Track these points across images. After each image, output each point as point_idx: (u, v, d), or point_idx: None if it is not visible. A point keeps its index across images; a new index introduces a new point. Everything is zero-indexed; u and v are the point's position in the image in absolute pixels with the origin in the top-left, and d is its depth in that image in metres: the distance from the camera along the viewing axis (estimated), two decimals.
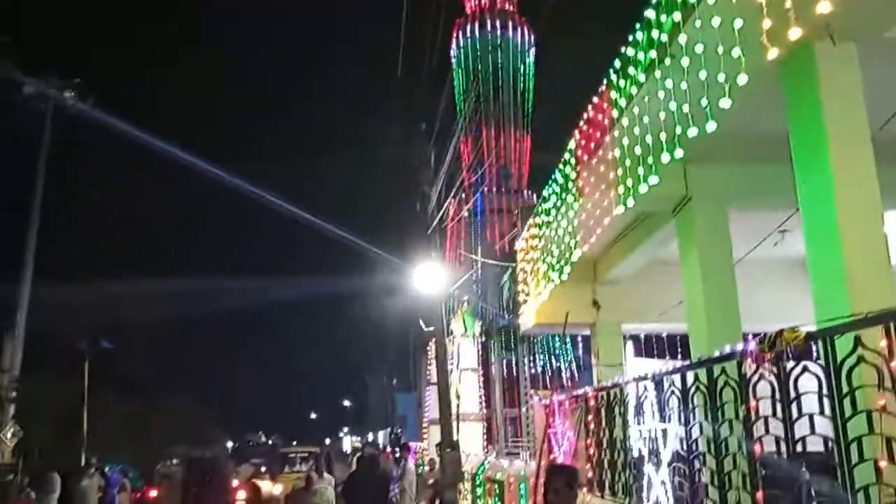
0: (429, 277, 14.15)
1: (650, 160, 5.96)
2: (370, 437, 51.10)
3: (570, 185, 7.94)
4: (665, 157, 5.74)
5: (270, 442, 51.58)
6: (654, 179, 5.98)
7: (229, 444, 39.70)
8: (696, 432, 4.61)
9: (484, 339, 20.31)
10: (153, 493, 19.36)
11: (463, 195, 18.68)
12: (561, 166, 8.34)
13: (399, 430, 35.87)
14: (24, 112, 18.19)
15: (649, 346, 11.81)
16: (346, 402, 76.28)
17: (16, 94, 17.81)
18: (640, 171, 6.10)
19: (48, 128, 18.58)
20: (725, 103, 4.89)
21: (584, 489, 6.79)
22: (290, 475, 18.22)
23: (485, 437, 18.79)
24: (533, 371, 19.28)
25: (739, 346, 4.05)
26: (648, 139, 5.94)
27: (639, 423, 5.62)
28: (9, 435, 16.12)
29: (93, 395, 18.43)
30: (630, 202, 6.47)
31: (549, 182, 9.07)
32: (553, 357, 19.53)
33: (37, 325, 18.73)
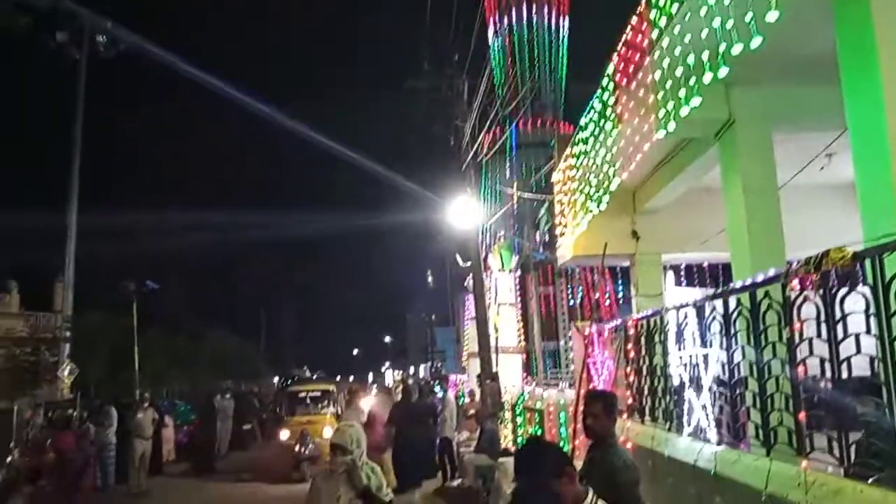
0: (464, 212, 14.13)
1: (692, 81, 5.76)
2: (411, 370, 52.21)
3: (609, 111, 7.74)
4: (708, 77, 5.53)
5: (315, 377, 53.18)
6: (696, 101, 5.79)
7: (276, 379, 40.97)
8: (737, 357, 4.59)
9: (521, 273, 20.33)
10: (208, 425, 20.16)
11: (497, 128, 18.39)
12: (599, 92, 8.11)
13: (439, 364, 36.56)
14: (60, 58, 18.34)
15: (690, 276, 11.68)
16: (388, 338, 77.98)
17: (51, 41, 17.92)
18: (682, 93, 5.90)
19: (83, 73, 18.74)
20: (772, 16, 4.66)
21: (624, 416, 6.86)
22: (300, 419, 15.67)
23: (524, 368, 19.01)
24: (571, 303, 19.31)
25: (784, 269, 3.98)
26: (690, 59, 5.72)
27: (679, 350, 5.62)
28: (66, 372, 16.87)
29: (142, 333, 19.09)
30: (671, 126, 6.28)
31: (587, 110, 8.85)
32: (591, 289, 19.52)
33: (86, 267, 19.35)
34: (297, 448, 14.00)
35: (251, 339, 41.04)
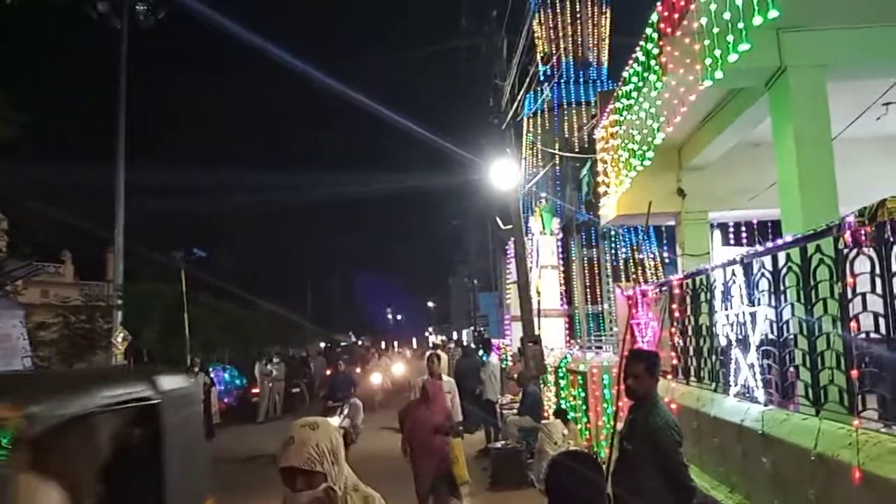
0: (504, 174, 13.93)
1: (740, 25, 5.47)
2: (454, 335, 52.55)
3: (653, 62, 7.44)
4: (757, 21, 5.26)
5: (360, 342, 53.98)
6: (744, 47, 5.51)
7: (321, 345, 41.69)
8: (787, 314, 4.41)
9: (563, 235, 20.08)
10: (255, 391, 20.73)
11: (538, 87, 18.00)
12: (642, 43, 7.80)
13: (482, 329, 36.65)
14: (102, 28, 18.55)
15: (738, 234, 11.32)
16: (431, 304, 78.51)
17: (92, 12, 18.11)
18: (730, 38, 5.62)
19: (125, 43, 18.93)
20: None
21: (669, 376, 6.74)
22: None
23: (566, 332, 18.87)
24: (614, 264, 19.03)
25: (837, 222, 3.78)
26: (738, 1, 5.42)
27: (726, 309, 5.45)
28: (119, 339, 17.39)
29: (192, 300, 19.54)
30: (718, 75, 6.00)
31: (629, 63, 8.54)
32: (635, 250, 19.20)
33: (136, 234, 19.78)
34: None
35: (298, 306, 41.75)
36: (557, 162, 20.68)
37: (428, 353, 9.58)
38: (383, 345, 55.10)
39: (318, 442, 2.28)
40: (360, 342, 54.20)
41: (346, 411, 12.40)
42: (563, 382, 12.96)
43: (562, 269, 19.44)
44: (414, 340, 73.45)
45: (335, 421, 7.98)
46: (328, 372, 22.20)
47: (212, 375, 17.95)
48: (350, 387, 13.45)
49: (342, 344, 46.96)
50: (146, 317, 18.59)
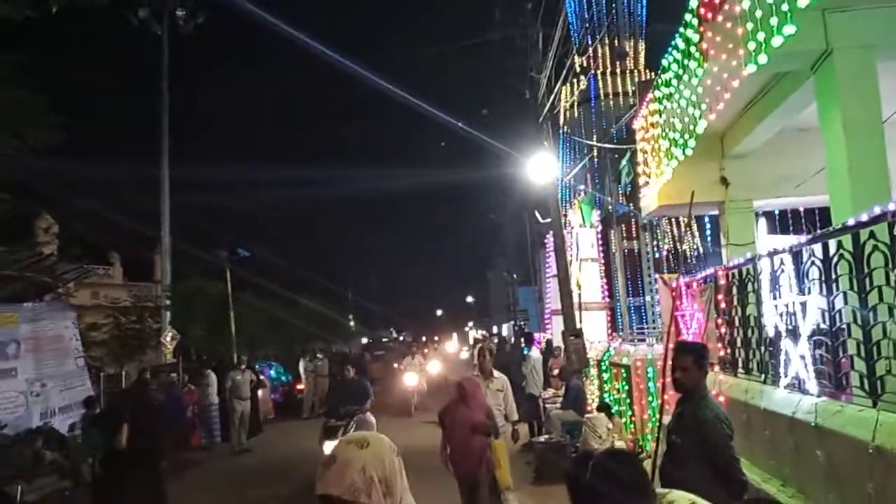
0: (542, 167, 13.84)
1: (784, 7, 5.33)
2: (494, 329, 52.50)
3: (693, 48, 7.29)
4: (802, 2, 5.11)
5: (401, 338, 54.31)
6: (789, 29, 5.36)
7: (364, 340, 42.09)
8: (839, 303, 4.30)
9: (603, 227, 19.88)
10: (300, 387, 21.06)
11: (574, 78, 17.85)
12: (681, 30, 7.65)
13: (522, 322, 36.54)
14: (142, 34, 18.96)
15: (784, 223, 11.05)
16: (470, 298, 78.51)
17: (133, 18, 18.53)
18: (773, 21, 5.47)
19: (165, 49, 19.33)
20: None
21: (716, 368, 6.63)
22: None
23: (608, 325, 18.70)
24: (657, 256, 18.77)
25: (892, 207, 3.67)
26: None
27: (774, 299, 5.33)
28: (168, 338, 17.81)
29: (236, 298, 19.91)
30: (762, 59, 5.85)
31: (668, 50, 8.39)
32: (678, 241, 18.91)
33: (181, 234, 20.21)
34: None
35: (339, 302, 42.11)
36: (596, 154, 20.48)
37: (479, 348, 9.43)
38: (424, 339, 55.33)
39: (364, 465, 1.77)
40: (401, 338, 54.54)
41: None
42: (606, 376, 12.86)
43: (602, 261, 19.24)
44: (454, 335, 73.61)
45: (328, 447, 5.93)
46: (333, 378, 21.64)
47: (260, 374, 18.27)
48: (362, 398, 11.02)
49: (383, 340, 47.31)
50: (192, 316, 19.00)
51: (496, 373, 8.09)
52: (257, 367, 19.41)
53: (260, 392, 17.47)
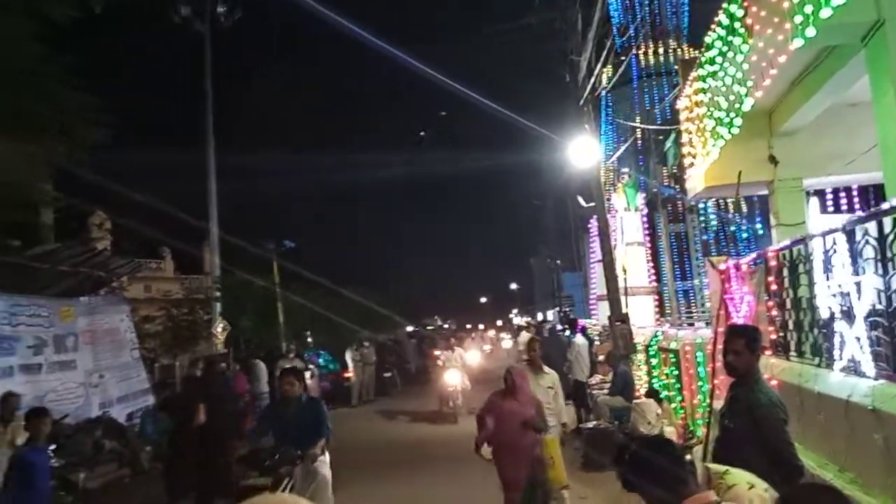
0: (584, 151, 13.68)
1: None
2: (539, 316, 52.27)
3: (737, 24, 7.09)
4: None
5: (446, 326, 54.54)
6: (838, 0, 5.18)
7: (409, 329, 42.36)
8: None
9: (648, 211, 19.58)
10: (347, 375, 21.35)
11: (616, 59, 17.55)
12: (725, 5, 7.44)
13: (568, 309, 36.32)
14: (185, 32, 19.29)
15: (836, 201, 10.71)
16: (514, 285, 78.32)
17: (174, 15, 18.86)
18: None
19: (208, 48, 19.63)
20: None
21: (768, 352, 6.48)
22: None
23: (656, 309, 18.46)
24: (705, 238, 18.43)
25: None
26: None
27: (827, 280, 5.18)
28: (219, 329, 18.21)
29: (285, 288, 20.27)
30: (810, 32, 5.66)
31: (712, 27, 8.17)
32: (726, 222, 18.51)
33: (229, 225, 20.60)
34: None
35: (384, 291, 42.50)
36: (640, 136, 20.16)
37: (529, 339, 8.69)
38: (467, 328, 55.44)
39: None
40: (445, 325, 54.75)
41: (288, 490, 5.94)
42: (654, 361, 12.70)
43: (648, 245, 18.98)
44: (499, 322, 73.55)
45: None
46: (379, 367, 21.43)
47: (309, 364, 18.57)
48: (312, 434, 6.45)
49: (428, 328, 47.55)
50: (241, 307, 19.37)
51: (546, 368, 7.60)
52: (306, 355, 19.72)
53: (309, 380, 17.76)
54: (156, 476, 9.94)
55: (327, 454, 6.80)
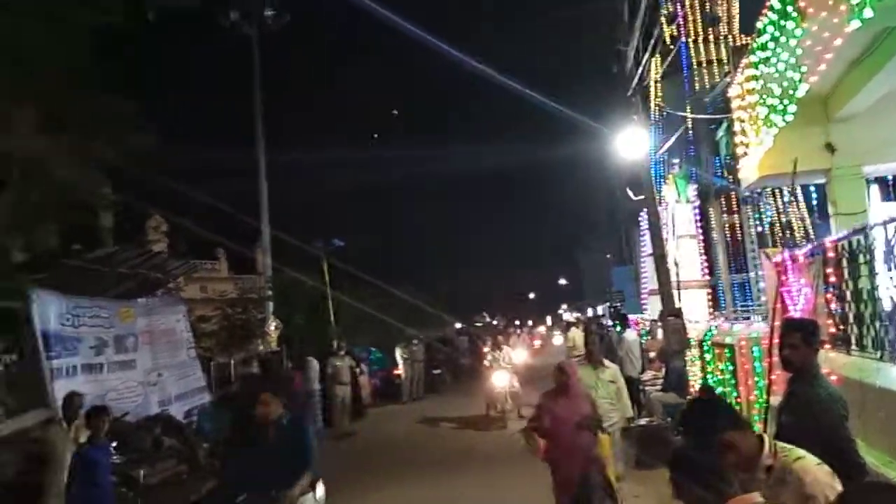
0: (633, 142, 13.45)
1: None
2: (589, 311, 51.72)
3: (790, 8, 6.85)
4: None
5: (495, 322, 54.42)
6: None
7: (457, 325, 42.40)
8: None
9: (701, 202, 19.12)
10: (397, 372, 21.53)
11: (664, 48, 17.19)
12: None
13: (618, 304, 35.82)
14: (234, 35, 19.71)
15: None
16: (563, 280, 77.70)
17: (224, 21, 19.28)
18: None
19: (256, 50, 20.00)
20: None
21: (827, 346, 6.27)
22: None
23: (709, 303, 18.01)
24: (759, 230, 17.89)
25: None
26: None
27: (889, 270, 4.98)
28: (272, 327, 18.58)
29: (335, 287, 20.56)
30: (867, 14, 5.44)
31: (763, 12, 7.93)
32: (781, 213, 17.96)
33: (279, 228, 20.98)
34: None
35: (431, 288, 42.63)
36: (690, 126, 19.71)
37: (585, 333, 8.61)
38: (517, 324, 55.16)
39: None
40: (495, 322, 54.62)
41: None
42: (708, 356, 12.41)
43: (701, 237, 18.54)
44: (547, 318, 73.02)
45: None
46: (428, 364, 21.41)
47: (360, 362, 18.78)
48: (289, 471, 4.88)
49: (476, 324, 47.49)
50: (292, 305, 19.71)
51: (607, 361, 7.43)
52: (357, 353, 19.94)
53: (360, 377, 17.98)
54: (213, 472, 10.20)
55: (320, 488, 5.19)
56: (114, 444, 7.95)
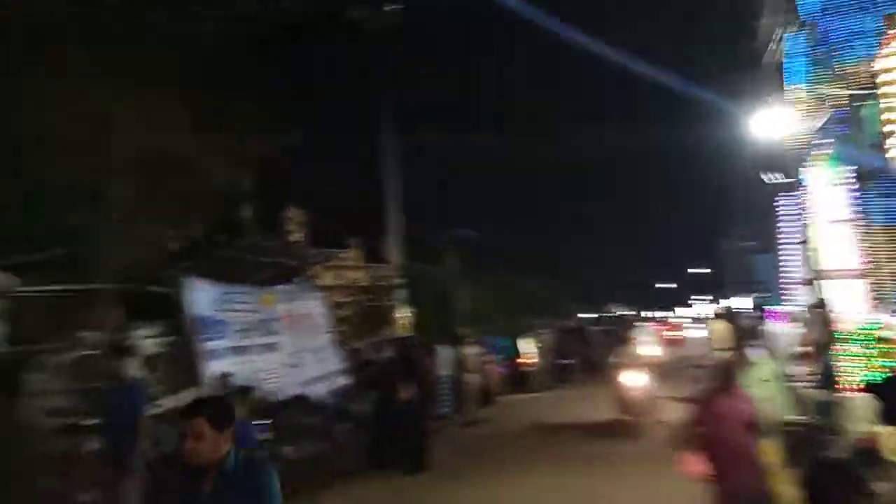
0: (771, 122, 12.52)
1: None
2: (727, 302, 49.10)
3: None
4: None
5: (622, 313, 53.01)
6: None
7: (587, 316, 41.69)
8: None
9: (854, 185, 17.59)
10: (522, 361, 21.46)
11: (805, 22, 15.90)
12: None
13: (767, 294, 33.77)
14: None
15: None
16: (695, 270, 74.27)
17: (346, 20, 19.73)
18: None
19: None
20: None
21: None
22: None
23: (870, 294, 16.55)
24: None
25: None
26: None
27: None
28: (403, 314, 19.06)
29: (465, 276, 20.77)
30: None
31: None
32: None
33: (409, 217, 21.45)
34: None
35: (560, 278, 42.09)
36: (838, 103, 18.17)
37: (735, 327, 7.98)
38: (651, 315, 53.37)
39: None
40: (628, 313, 53.19)
41: None
42: (869, 352, 11.44)
43: (858, 223, 17.07)
44: (679, 310, 70.07)
45: None
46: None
47: (489, 351, 18.89)
48: None
49: (607, 315, 46.41)
50: (424, 294, 20.11)
51: (762, 356, 7.03)
52: (485, 341, 20.07)
53: (489, 366, 18.07)
54: (351, 450, 10.62)
55: None
56: (264, 423, 8.41)
